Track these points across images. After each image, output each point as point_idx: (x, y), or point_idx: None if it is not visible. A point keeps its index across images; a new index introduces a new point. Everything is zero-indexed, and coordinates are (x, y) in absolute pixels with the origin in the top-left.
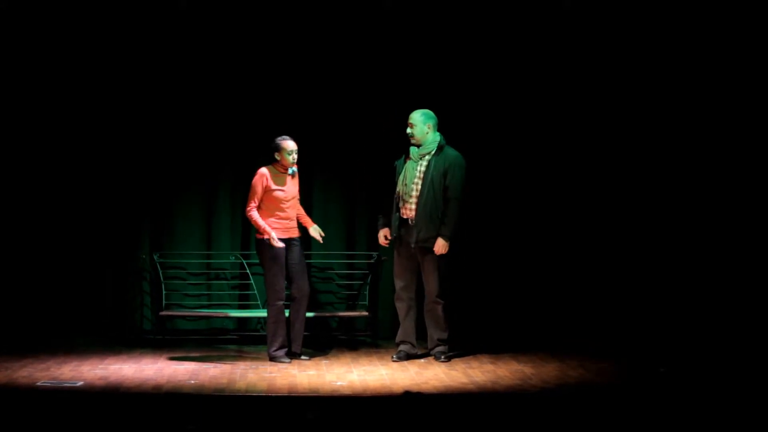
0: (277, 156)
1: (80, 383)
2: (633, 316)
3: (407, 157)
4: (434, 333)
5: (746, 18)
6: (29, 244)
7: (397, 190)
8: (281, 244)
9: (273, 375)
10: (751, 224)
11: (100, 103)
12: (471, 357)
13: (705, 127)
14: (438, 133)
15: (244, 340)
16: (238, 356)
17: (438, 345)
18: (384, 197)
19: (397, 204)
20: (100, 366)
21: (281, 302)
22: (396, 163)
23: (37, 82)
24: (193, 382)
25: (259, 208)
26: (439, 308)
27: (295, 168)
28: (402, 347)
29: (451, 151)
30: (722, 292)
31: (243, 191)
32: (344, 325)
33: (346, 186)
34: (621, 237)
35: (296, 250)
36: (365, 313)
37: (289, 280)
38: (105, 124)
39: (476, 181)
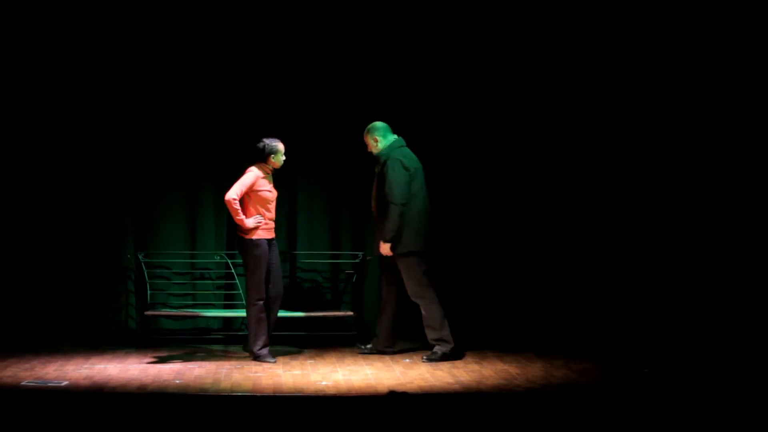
0: (272, 158)
1: (65, 383)
2: (619, 316)
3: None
4: (426, 333)
5: (746, 17)
6: (12, 244)
7: None
8: (260, 220)
9: (258, 375)
10: (737, 222)
11: (86, 102)
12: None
13: (701, 126)
14: (392, 138)
15: (229, 340)
16: (223, 356)
17: (434, 345)
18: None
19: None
20: (85, 365)
21: (262, 301)
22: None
23: (19, 79)
24: (178, 381)
25: (243, 205)
26: (422, 308)
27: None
28: (373, 342)
29: (393, 153)
30: (708, 292)
31: (227, 189)
32: (330, 325)
33: (332, 185)
34: (608, 237)
35: (275, 250)
36: (350, 313)
37: (266, 280)
38: (90, 123)
39: (468, 180)
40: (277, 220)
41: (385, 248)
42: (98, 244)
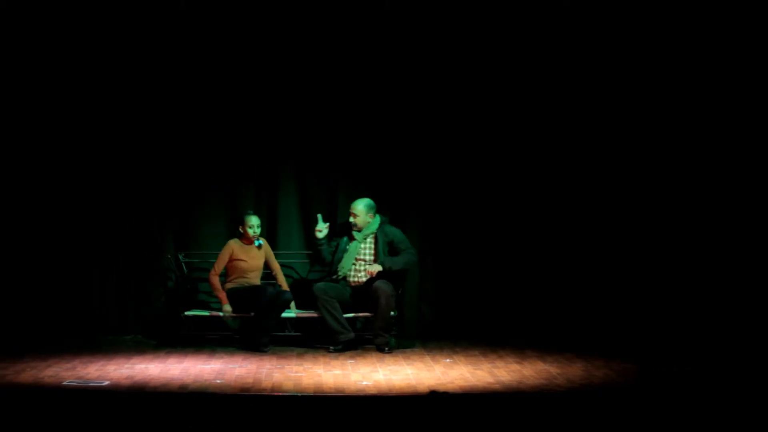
0: (240, 229)
1: (106, 383)
2: (659, 317)
3: (350, 238)
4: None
5: (746, 16)
6: (56, 245)
7: (339, 262)
8: (228, 310)
9: (299, 374)
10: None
11: (130, 106)
12: (497, 357)
13: (703, 126)
14: (378, 215)
15: (269, 340)
16: (264, 356)
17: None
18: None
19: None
20: (126, 365)
21: None
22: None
23: (59, 83)
24: (219, 381)
25: (226, 273)
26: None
27: (260, 241)
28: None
29: (388, 228)
30: (748, 294)
31: (267, 193)
32: (370, 325)
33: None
34: (649, 240)
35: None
36: (392, 313)
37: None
38: (136, 126)
39: (491, 179)
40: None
41: (377, 268)
42: (140, 244)
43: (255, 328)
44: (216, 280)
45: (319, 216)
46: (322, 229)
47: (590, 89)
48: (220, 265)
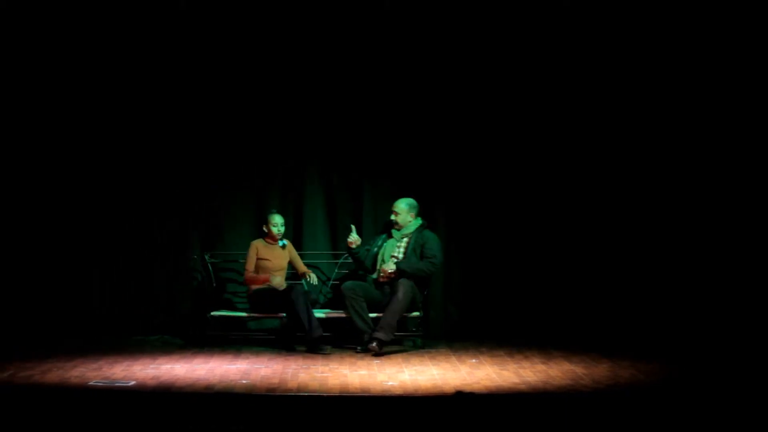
0: (264, 228)
1: (132, 383)
2: (686, 317)
3: (389, 236)
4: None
5: (746, 16)
6: (80, 244)
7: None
8: (279, 281)
9: (325, 375)
10: None
11: (159, 106)
12: (522, 357)
13: (705, 125)
14: (419, 218)
15: (295, 341)
16: (290, 356)
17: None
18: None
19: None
20: (152, 366)
21: None
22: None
23: (64, 84)
24: (244, 381)
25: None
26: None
27: (284, 241)
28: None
29: (427, 232)
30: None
31: (292, 193)
32: (397, 325)
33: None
34: (677, 241)
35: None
36: (417, 313)
37: None
38: (163, 127)
39: (516, 180)
40: (344, 223)
41: (393, 269)
42: (166, 244)
43: (300, 329)
44: (252, 275)
45: (352, 227)
46: (354, 241)
47: (590, 89)
48: (251, 263)
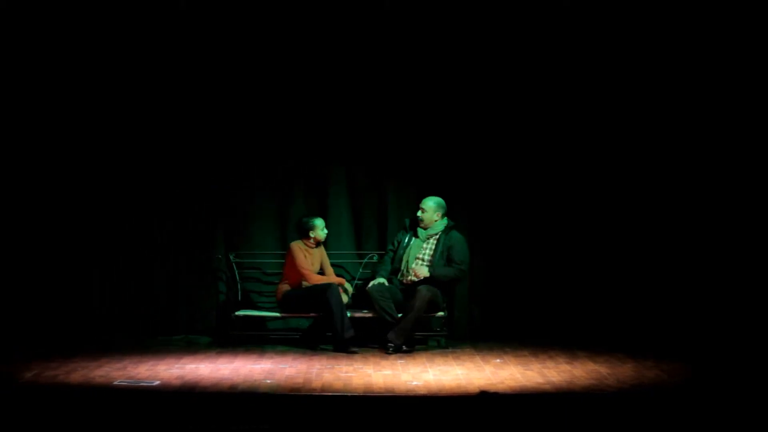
0: (311, 234)
1: (156, 382)
2: (711, 316)
3: (414, 234)
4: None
5: (746, 15)
6: (105, 244)
7: (402, 260)
8: (349, 288)
9: (349, 375)
10: None
11: (184, 106)
12: (547, 357)
13: (708, 126)
14: (446, 218)
15: (319, 340)
16: (314, 356)
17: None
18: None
19: (393, 268)
20: (177, 365)
21: None
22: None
23: (89, 83)
24: (269, 381)
25: (289, 276)
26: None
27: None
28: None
29: (454, 233)
30: None
31: (317, 193)
32: (421, 325)
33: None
34: (701, 241)
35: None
36: (442, 314)
37: None
38: (187, 127)
39: (540, 181)
40: (368, 225)
41: (424, 272)
42: (191, 244)
43: (332, 328)
44: (314, 274)
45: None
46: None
47: (590, 89)
48: (306, 262)
